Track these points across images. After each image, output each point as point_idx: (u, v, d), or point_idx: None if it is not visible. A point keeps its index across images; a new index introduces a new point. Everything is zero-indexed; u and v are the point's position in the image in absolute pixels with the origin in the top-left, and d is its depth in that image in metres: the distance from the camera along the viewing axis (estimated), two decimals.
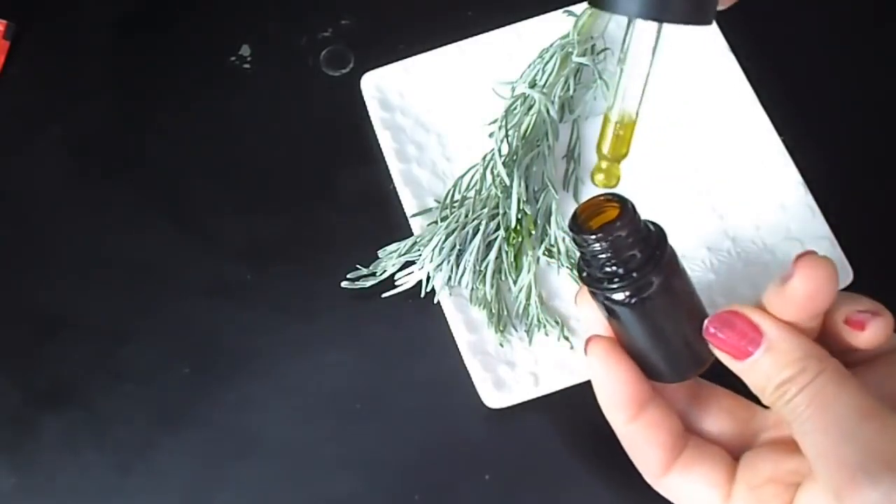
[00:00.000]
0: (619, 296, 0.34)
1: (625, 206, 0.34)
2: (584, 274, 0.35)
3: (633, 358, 0.37)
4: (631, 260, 0.34)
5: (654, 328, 0.35)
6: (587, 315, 0.37)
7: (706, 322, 0.35)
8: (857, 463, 0.30)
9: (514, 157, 0.47)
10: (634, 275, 0.34)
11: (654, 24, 0.34)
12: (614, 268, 0.34)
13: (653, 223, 0.35)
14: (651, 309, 0.35)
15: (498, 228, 0.47)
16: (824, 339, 0.35)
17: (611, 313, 0.35)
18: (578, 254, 0.35)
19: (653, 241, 0.34)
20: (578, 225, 0.35)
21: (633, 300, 0.34)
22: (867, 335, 0.34)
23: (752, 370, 0.34)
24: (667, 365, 0.36)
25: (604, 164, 0.37)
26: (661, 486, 0.37)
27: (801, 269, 0.33)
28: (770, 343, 0.33)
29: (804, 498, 0.34)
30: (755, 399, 0.36)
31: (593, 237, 0.34)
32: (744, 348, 0.34)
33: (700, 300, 0.36)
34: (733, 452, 0.37)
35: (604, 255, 0.34)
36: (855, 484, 0.30)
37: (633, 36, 0.34)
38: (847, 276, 0.45)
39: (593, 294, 0.35)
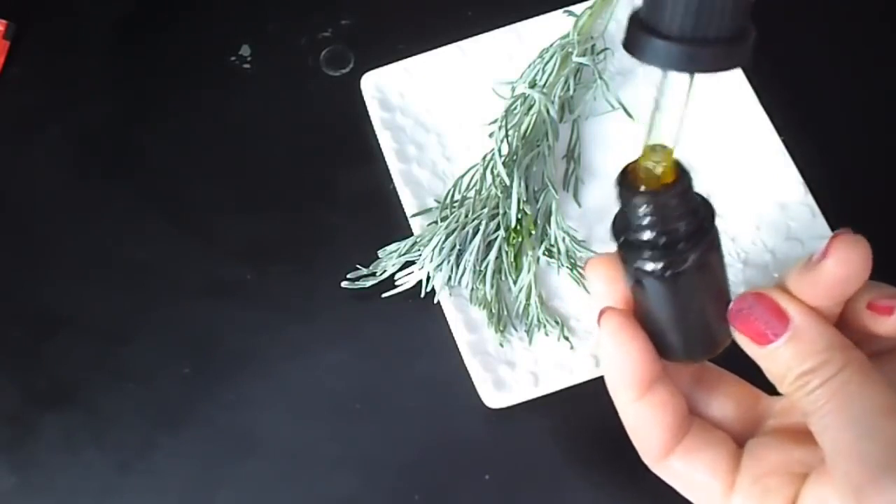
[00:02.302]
0: (652, 266, 0.32)
1: (683, 173, 0.32)
2: (621, 238, 0.33)
3: (648, 333, 0.35)
4: (675, 231, 0.32)
5: (679, 305, 0.33)
6: (597, 288, 0.35)
7: (732, 304, 0.33)
8: (880, 461, 0.29)
9: (514, 157, 0.47)
10: (678, 246, 0.31)
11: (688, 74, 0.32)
12: (655, 236, 0.32)
13: (703, 198, 0.33)
14: (682, 285, 0.32)
15: (498, 228, 0.47)
16: (839, 328, 0.34)
17: (637, 283, 0.33)
18: (618, 212, 0.33)
19: (700, 215, 0.32)
20: (629, 183, 0.32)
21: (666, 273, 0.32)
22: (893, 321, 0.32)
23: (773, 357, 0.32)
24: (683, 344, 0.35)
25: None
26: (660, 469, 0.36)
27: (836, 249, 0.31)
28: (796, 331, 0.32)
29: (812, 491, 0.33)
30: (760, 386, 0.35)
31: (642, 199, 0.31)
32: (767, 334, 0.32)
33: (728, 283, 0.34)
34: (736, 439, 0.36)
35: (648, 221, 0.31)
36: (876, 482, 0.29)
37: (668, 84, 0.32)
38: None
39: (624, 260, 0.33)
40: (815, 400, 0.31)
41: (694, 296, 0.33)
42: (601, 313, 0.35)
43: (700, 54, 0.29)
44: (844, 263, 0.31)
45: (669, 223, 0.31)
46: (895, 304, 0.33)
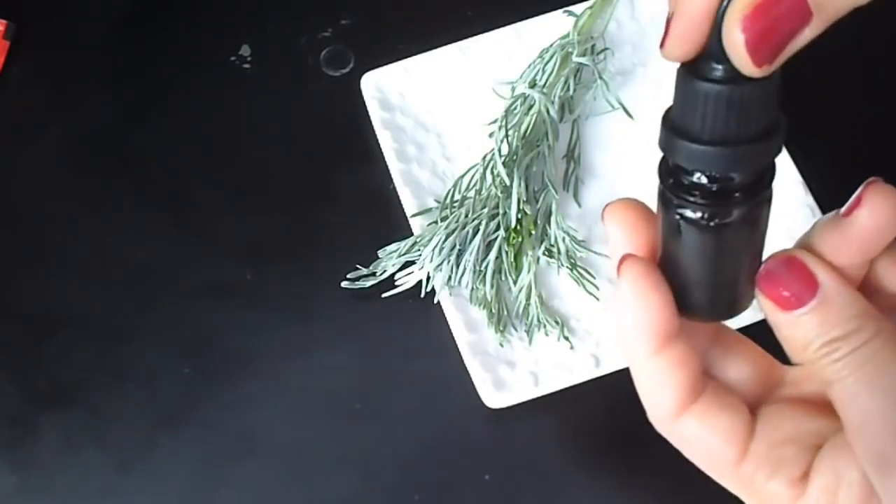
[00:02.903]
0: (698, 213, 0.30)
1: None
2: (670, 179, 0.31)
3: (672, 286, 0.33)
4: (731, 180, 0.30)
5: (715, 259, 0.32)
6: (615, 235, 0.33)
7: (762, 266, 0.31)
8: None
9: (514, 157, 0.47)
10: (724, 198, 0.30)
11: None
12: (710, 182, 0.30)
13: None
14: (724, 238, 0.31)
15: (498, 228, 0.47)
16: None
17: (675, 229, 0.31)
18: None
19: (762, 171, 0.31)
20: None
21: (711, 223, 0.30)
22: None
23: (798, 323, 0.30)
24: (708, 301, 0.33)
25: None
26: (669, 430, 0.34)
27: (870, 197, 0.29)
28: (826, 296, 0.30)
29: (826, 461, 0.32)
30: (773, 353, 0.34)
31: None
32: (795, 299, 0.30)
33: (764, 246, 0.32)
34: (749, 404, 0.35)
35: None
36: None
37: None
38: None
39: (665, 203, 0.31)
40: (843, 368, 0.30)
41: (733, 252, 0.32)
42: (622, 260, 0.32)
43: (739, 154, 0.29)
44: (880, 212, 0.30)
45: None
46: None
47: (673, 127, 0.29)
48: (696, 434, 0.34)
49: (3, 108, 0.54)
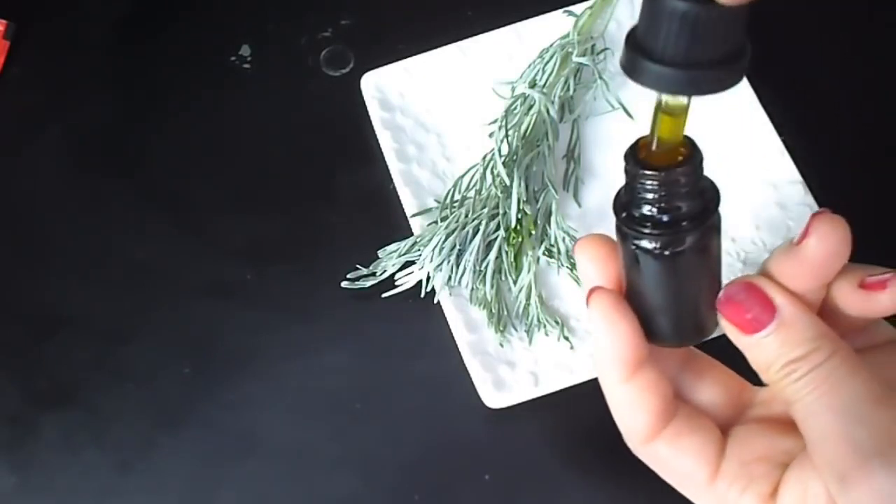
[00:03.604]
0: (651, 244, 0.32)
1: (694, 151, 0.32)
2: (623, 213, 0.33)
3: (638, 314, 0.34)
4: (679, 210, 0.31)
5: (674, 286, 0.33)
6: (586, 269, 0.35)
7: (721, 292, 0.33)
8: (867, 447, 0.29)
9: (514, 157, 0.47)
10: (674, 227, 0.31)
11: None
12: (659, 213, 0.32)
13: (711, 181, 0.33)
14: (679, 266, 0.32)
15: (498, 228, 0.47)
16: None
17: (634, 261, 0.33)
18: (623, 186, 0.33)
19: (706, 197, 0.32)
20: (637, 157, 0.32)
21: (665, 252, 0.32)
22: (888, 295, 0.32)
23: (760, 346, 0.32)
24: (672, 327, 0.34)
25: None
26: (644, 453, 0.36)
27: (817, 227, 0.31)
28: (783, 319, 0.32)
29: (794, 477, 0.33)
30: (743, 375, 0.35)
31: (650, 174, 0.31)
32: (755, 323, 0.32)
33: (721, 270, 0.34)
34: (720, 426, 0.36)
35: (653, 196, 0.31)
36: (867, 468, 0.29)
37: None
38: None
39: (623, 236, 0.33)
40: (802, 387, 0.31)
41: (689, 278, 0.33)
42: (590, 293, 0.35)
43: (695, 78, 0.29)
44: (826, 240, 0.31)
45: (674, 200, 0.31)
46: (888, 278, 0.32)
47: (636, 45, 0.29)
48: (669, 456, 0.35)
49: (3, 108, 0.54)
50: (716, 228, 0.33)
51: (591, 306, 0.35)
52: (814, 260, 0.32)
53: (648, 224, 0.32)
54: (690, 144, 0.32)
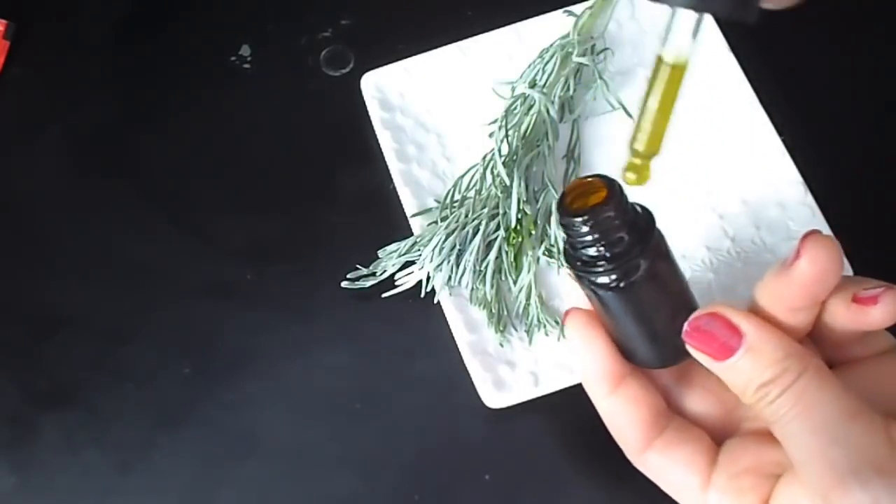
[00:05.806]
0: (604, 279, 0.34)
1: (612, 187, 0.34)
2: (577, 262, 0.35)
3: (618, 342, 0.36)
4: (618, 243, 0.33)
5: (639, 314, 0.35)
6: (571, 294, 0.37)
7: (686, 324, 0.34)
8: (846, 466, 0.30)
9: (514, 157, 0.47)
10: (621, 258, 0.33)
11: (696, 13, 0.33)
12: (601, 251, 0.34)
13: (641, 206, 0.35)
14: (637, 294, 0.34)
15: (498, 228, 0.47)
16: (815, 335, 0.35)
17: (597, 300, 0.35)
18: (564, 237, 0.35)
19: (641, 224, 0.34)
20: (565, 207, 0.34)
21: (619, 284, 0.34)
22: (879, 310, 0.33)
23: (732, 371, 0.33)
24: (651, 351, 0.36)
25: (638, 161, 0.34)
26: (640, 463, 0.37)
27: (808, 249, 0.32)
28: (750, 344, 0.33)
29: (784, 491, 0.34)
30: None
31: (580, 219, 0.33)
32: (722, 350, 0.33)
33: (689, 290, 0.35)
34: (715, 437, 0.37)
35: (590, 238, 0.33)
36: (844, 487, 0.30)
37: (675, 23, 0.33)
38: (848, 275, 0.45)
39: (579, 278, 0.35)
40: (777, 409, 0.32)
41: (652, 303, 0.35)
42: (566, 314, 0.37)
43: None
44: (817, 262, 0.32)
45: (610, 235, 0.33)
46: (879, 292, 0.33)
47: None
48: (661, 466, 0.37)
49: (3, 108, 0.54)
50: (661, 249, 0.34)
51: (566, 326, 0.37)
52: (805, 281, 0.33)
53: (599, 263, 0.34)
54: (606, 180, 0.34)
